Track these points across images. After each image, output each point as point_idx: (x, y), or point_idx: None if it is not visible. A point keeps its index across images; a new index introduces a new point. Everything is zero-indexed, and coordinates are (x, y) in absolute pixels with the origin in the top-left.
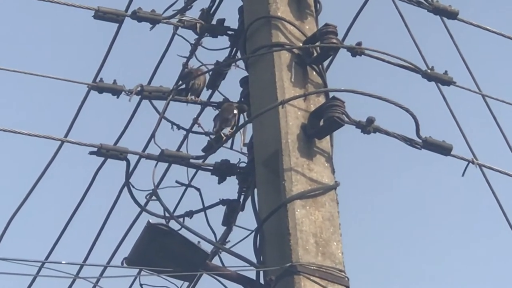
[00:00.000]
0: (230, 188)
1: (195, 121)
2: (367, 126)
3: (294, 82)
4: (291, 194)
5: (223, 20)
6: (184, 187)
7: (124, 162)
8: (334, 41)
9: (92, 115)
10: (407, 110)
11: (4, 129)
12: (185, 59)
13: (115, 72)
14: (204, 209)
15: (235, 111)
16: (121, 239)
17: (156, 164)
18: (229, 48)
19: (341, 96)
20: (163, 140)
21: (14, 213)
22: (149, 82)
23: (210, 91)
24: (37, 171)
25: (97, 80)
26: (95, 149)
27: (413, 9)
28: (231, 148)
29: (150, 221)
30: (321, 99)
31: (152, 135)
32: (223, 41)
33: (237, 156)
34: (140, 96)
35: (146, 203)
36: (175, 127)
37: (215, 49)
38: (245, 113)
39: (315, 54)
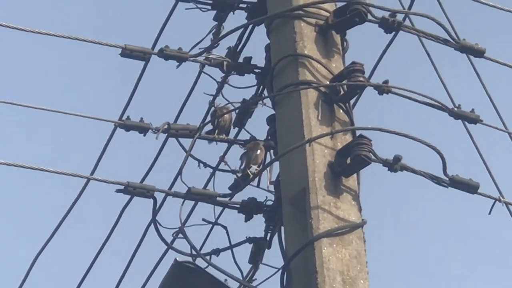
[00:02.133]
0: (257, 226)
1: (222, 159)
2: (394, 164)
3: (321, 120)
4: (318, 232)
5: (250, 58)
6: (210, 225)
7: (151, 200)
8: (361, 79)
9: (119, 153)
10: (434, 148)
11: (30, 167)
12: (211, 97)
13: (141, 110)
14: (231, 247)
15: (262, 149)
16: (147, 277)
17: (183, 202)
18: (256, 86)
19: (368, 134)
20: (189, 178)
21: (40, 250)
22: (176, 120)
23: (236, 129)
24: (63, 209)
25: (124, 118)
26: (122, 187)
27: (440, 47)
28: (257, 186)
29: (177, 259)
30: (348, 137)
31: (179, 173)
32: (250, 79)
33: (263, 194)
34: (166, 134)
35: (173, 241)
36: (201, 165)
37: (241, 87)
38: (271, 151)
39: (342, 92)
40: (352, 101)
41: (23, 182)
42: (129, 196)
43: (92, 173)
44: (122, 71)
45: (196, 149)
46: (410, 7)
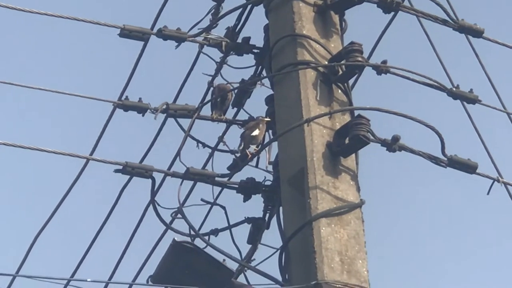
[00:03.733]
0: (256, 206)
1: (221, 139)
2: (392, 144)
3: (320, 100)
4: (316, 212)
5: (249, 38)
6: (209, 206)
7: (150, 180)
8: (360, 59)
9: (117, 133)
10: (432, 128)
11: (30, 147)
12: (210, 78)
13: (140, 90)
14: (230, 227)
15: (262, 129)
16: (146, 257)
17: (182, 182)
18: (255, 67)
19: (367, 114)
20: (188, 159)
21: (40, 230)
22: (175, 101)
23: (235, 109)
24: (63, 188)
25: (123, 98)
26: (121, 167)
27: (439, 28)
28: (256, 166)
29: (176, 239)
30: (346, 118)
31: (178, 153)
32: (249, 59)
33: (262, 175)
34: (165, 114)
35: (172, 221)
36: (200, 145)
37: (240, 68)
38: (270, 131)
39: (341, 72)
40: (351, 82)
41: (22, 163)
42: (128, 176)
43: (91, 154)
44: (121, 52)
45: (194, 130)
46: None
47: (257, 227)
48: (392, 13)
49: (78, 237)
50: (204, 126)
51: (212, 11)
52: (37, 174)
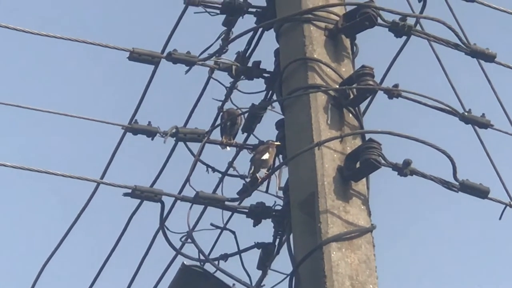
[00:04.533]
0: (266, 231)
1: (231, 164)
2: (404, 169)
3: (331, 124)
4: (326, 236)
5: (259, 62)
6: (219, 230)
7: (159, 205)
8: (371, 83)
9: (128, 157)
10: (444, 152)
11: (38, 170)
12: (220, 103)
13: (150, 114)
14: (239, 252)
15: (272, 153)
16: (156, 282)
17: (191, 206)
18: (265, 92)
19: (378, 138)
20: (198, 183)
21: (50, 256)
22: (185, 125)
23: (245, 134)
24: (73, 213)
25: (132, 122)
26: (129, 191)
27: (451, 52)
28: (266, 191)
29: (185, 262)
30: (358, 142)
31: (188, 178)
32: (259, 84)
33: (272, 200)
34: (175, 138)
35: (182, 246)
36: (210, 170)
37: (250, 93)
38: (281, 156)
39: (352, 96)
40: (362, 106)
41: (33, 186)
42: (138, 201)
43: (102, 177)
44: (131, 75)
45: (204, 154)
46: (421, 11)
47: (267, 252)
48: (404, 37)
49: (88, 262)
50: (213, 151)
51: (223, 36)
52: (47, 198)
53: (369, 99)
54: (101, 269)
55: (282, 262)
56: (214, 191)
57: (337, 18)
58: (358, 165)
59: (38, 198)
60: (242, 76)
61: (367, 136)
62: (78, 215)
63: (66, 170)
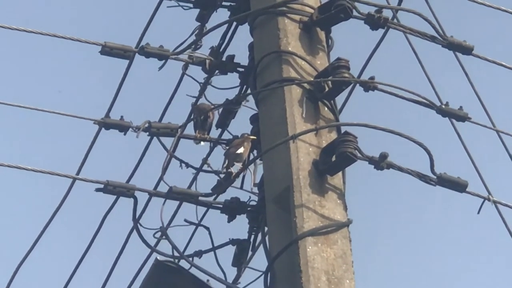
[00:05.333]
0: (241, 227)
1: (205, 160)
2: (380, 162)
3: (306, 118)
4: (302, 231)
5: (233, 56)
6: (193, 226)
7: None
8: (346, 75)
9: (100, 153)
10: (420, 145)
11: (16, 166)
12: (194, 99)
13: (123, 110)
14: (214, 249)
15: (246, 147)
16: (131, 280)
17: (164, 201)
18: (239, 87)
19: (354, 132)
20: (172, 180)
21: (27, 253)
22: (159, 121)
23: (220, 130)
24: (48, 209)
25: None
26: (102, 186)
27: (427, 44)
28: (241, 188)
29: (158, 258)
30: (333, 135)
31: (162, 173)
32: (233, 79)
33: (247, 196)
34: (148, 133)
35: (157, 243)
36: (184, 165)
37: (225, 88)
38: (255, 151)
39: (327, 89)
40: (341, 101)
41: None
42: (110, 195)
43: (77, 173)
44: (104, 70)
45: (178, 150)
46: (399, 3)
47: (242, 249)
48: (380, 29)
49: (64, 260)
50: (187, 147)
51: (196, 32)
52: (20, 194)
53: (346, 92)
54: (77, 267)
55: (258, 259)
56: (189, 187)
57: (312, 11)
58: (333, 158)
59: (12, 194)
60: (216, 71)
61: (343, 129)
62: (54, 212)
63: (39, 166)
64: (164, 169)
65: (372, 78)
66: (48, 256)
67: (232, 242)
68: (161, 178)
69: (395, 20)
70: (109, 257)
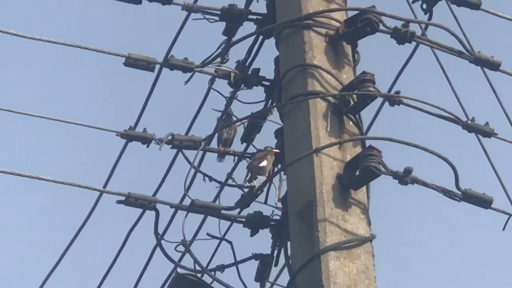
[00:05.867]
0: (264, 242)
1: (230, 175)
2: (405, 177)
3: (330, 132)
4: (325, 245)
5: (258, 70)
6: (216, 240)
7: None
8: (371, 89)
9: (124, 165)
10: (445, 160)
11: (41, 178)
12: (220, 113)
13: (147, 123)
14: (236, 263)
15: (270, 160)
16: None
17: (186, 214)
18: (265, 101)
19: (378, 146)
20: (195, 194)
21: (54, 266)
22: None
23: (245, 144)
24: (73, 222)
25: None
26: (123, 198)
27: (454, 60)
28: (265, 203)
29: (178, 271)
30: (358, 150)
31: (185, 186)
32: (259, 94)
33: (271, 210)
34: (170, 146)
35: (181, 259)
36: (207, 179)
37: (250, 103)
38: (279, 165)
39: (352, 103)
40: (369, 117)
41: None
42: (136, 210)
43: (104, 186)
44: (126, 82)
45: (202, 164)
46: (429, 17)
47: (265, 264)
48: (408, 44)
49: (88, 274)
50: (211, 161)
51: (223, 46)
52: (44, 207)
53: (373, 108)
54: (102, 281)
55: (282, 274)
56: (213, 201)
57: (338, 24)
58: (357, 173)
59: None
60: (242, 86)
61: (367, 143)
62: (81, 226)
63: (59, 177)
64: (187, 183)
65: (397, 92)
66: (74, 271)
67: (255, 256)
68: (184, 193)
69: (421, 35)
70: (133, 272)
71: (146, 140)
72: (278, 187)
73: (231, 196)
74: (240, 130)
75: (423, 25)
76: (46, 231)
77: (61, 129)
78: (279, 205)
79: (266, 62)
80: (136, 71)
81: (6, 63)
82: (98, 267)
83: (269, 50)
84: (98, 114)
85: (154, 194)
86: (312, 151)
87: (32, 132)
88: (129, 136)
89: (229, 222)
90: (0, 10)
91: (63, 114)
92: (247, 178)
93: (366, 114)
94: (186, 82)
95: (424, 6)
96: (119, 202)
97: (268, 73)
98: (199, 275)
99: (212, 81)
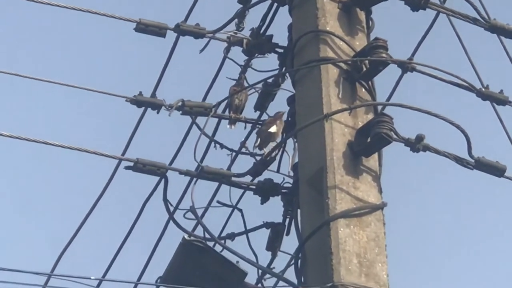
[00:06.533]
0: (276, 210)
1: (243, 144)
2: (416, 144)
3: (342, 98)
4: (334, 212)
5: (271, 36)
6: (224, 207)
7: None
8: (384, 55)
9: (139, 133)
10: (458, 127)
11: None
12: (234, 81)
13: (159, 91)
14: (246, 231)
15: (279, 125)
16: (149, 255)
17: (196, 181)
18: (279, 70)
19: (391, 113)
20: (212, 164)
21: (75, 233)
22: None
23: (258, 112)
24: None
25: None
26: (131, 164)
27: (469, 27)
28: (277, 171)
29: (186, 237)
30: (370, 117)
31: (203, 156)
32: (273, 63)
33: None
34: (181, 112)
35: (194, 228)
36: (218, 146)
37: (264, 71)
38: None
39: (364, 69)
40: (379, 84)
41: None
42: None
43: (123, 154)
44: (138, 47)
45: (209, 131)
46: None
47: (276, 232)
48: (423, 10)
49: (104, 243)
50: (222, 129)
51: (238, 14)
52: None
53: (388, 76)
54: (117, 252)
55: (292, 241)
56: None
57: None
58: (369, 140)
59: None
60: (256, 54)
61: (378, 109)
62: (101, 194)
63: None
64: (197, 149)
65: (410, 58)
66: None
67: (266, 225)
68: (194, 159)
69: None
70: (147, 239)
71: (156, 106)
72: (292, 156)
73: (244, 165)
74: (253, 98)
75: None
76: (60, 199)
77: (70, 94)
78: (292, 174)
79: (281, 31)
80: (147, 37)
81: (17, 29)
82: (113, 235)
83: (284, 19)
84: (108, 81)
85: (170, 163)
86: (322, 116)
87: (41, 97)
88: (138, 102)
89: (241, 190)
90: None
91: (72, 79)
92: (257, 144)
93: (380, 82)
94: (201, 50)
95: None
96: (127, 168)
97: (283, 41)
98: (209, 243)
99: (227, 50)
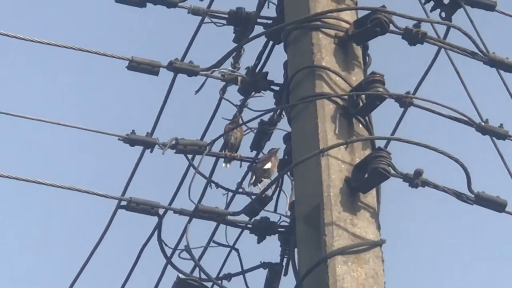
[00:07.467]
0: (273, 249)
1: (240, 185)
2: (415, 179)
3: (338, 134)
4: (331, 249)
5: (266, 73)
6: (221, 248)
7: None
8: (381, 89)
9: (124, 170)
10: (457, 161)
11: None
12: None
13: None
14: (243, 272)
15: (274, 162)
16: None
17: (190, 220)
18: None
19: (388, 148)
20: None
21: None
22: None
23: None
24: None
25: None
26: (125, 203)
27: (468, 61)
28: (274, 211)
29: (180, 276)
30: (367, 152)
31: (201, 197)
32: (270, 102)
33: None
34: (174, 150)
35: (192, 272)
36: (213, 185)
37: (260, 111)
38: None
39: (361, 104)
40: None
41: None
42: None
43: (123, 194)
44: (130, 86)
45: (206, 171)
46: (446, 17)
47: (274, 273)
48: (418, 44)
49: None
50: (217, 168)
51: (234, 54)
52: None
53: (384, 111)
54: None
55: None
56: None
57: (348, 25)
58: (366, 175)
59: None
60: (253, 93)
61: (375, 143)
62: (102, 235)
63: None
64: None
65: (408, 92)
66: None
67: (264, 265)
68: (189, 198)
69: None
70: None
71: (149, 144)
72: (289, 196)
73: (242, 205)
74: (249, 137)
75: (436, 27)
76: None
77: (63, 133)
78: (289, 213)
79: (277, 70)
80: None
81: (8, 65)
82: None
83: (279, 57)
84: (100, 118)
85: (170, 204)
86: (318, 151)
87: (33, 136)
88: (131, 141)
89: (238, 230)
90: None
91: (65, 118)
92: (252, 181)
93: (377, 117)
94: (197, 91)
95: (443, 14)
96: (121, 207)
97: (279, 80)
98: (207, 284)
99: (223, 91)
